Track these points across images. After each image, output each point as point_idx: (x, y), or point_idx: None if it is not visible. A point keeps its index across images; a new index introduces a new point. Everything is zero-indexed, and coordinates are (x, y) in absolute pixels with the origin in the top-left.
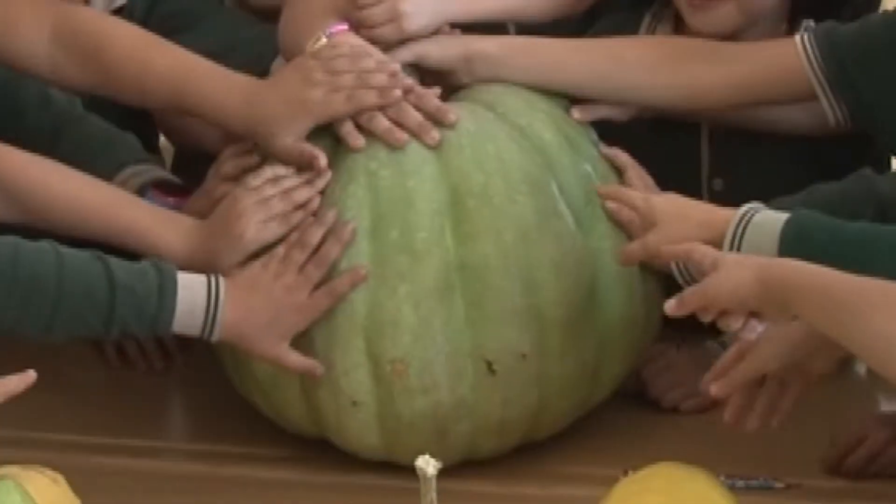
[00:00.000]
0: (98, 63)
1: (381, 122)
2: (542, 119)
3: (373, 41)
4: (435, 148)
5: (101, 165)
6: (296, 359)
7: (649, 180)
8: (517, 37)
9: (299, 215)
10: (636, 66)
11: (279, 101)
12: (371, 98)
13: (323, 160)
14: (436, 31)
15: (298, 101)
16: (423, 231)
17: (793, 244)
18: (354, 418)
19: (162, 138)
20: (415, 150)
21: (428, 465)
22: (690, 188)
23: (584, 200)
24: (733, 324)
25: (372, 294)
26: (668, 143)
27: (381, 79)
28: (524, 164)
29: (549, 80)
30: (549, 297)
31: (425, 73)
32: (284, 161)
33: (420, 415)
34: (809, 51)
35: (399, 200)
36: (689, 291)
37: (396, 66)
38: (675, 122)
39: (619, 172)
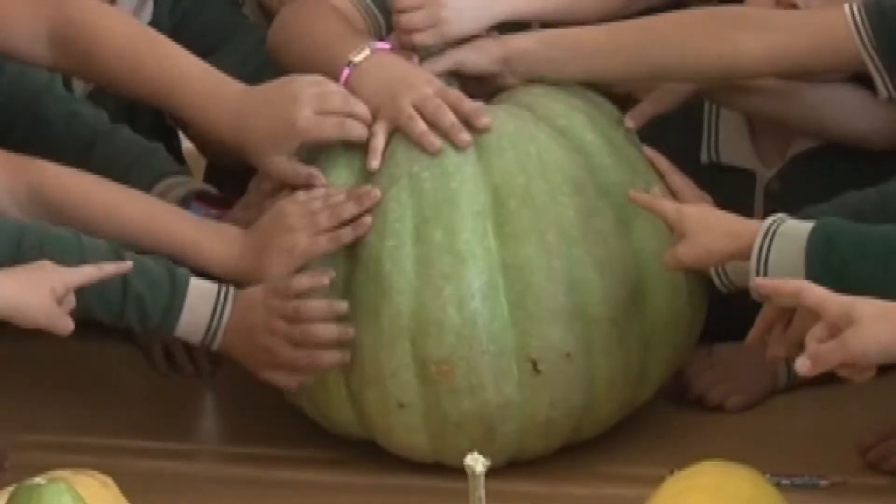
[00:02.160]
0: (91, 61)
1: (418, 126)
2: (582, 120)
3: (412, 46)
4: (476, 149)
5: (135, 177)
6: (281, 378)
7: (690, 182)
8: (552, 30)
9: (349, 234)
10: (675, 40)
11: (267, 120)
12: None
13: (320, 179)
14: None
15: (287, 121)
16: (467, 232)
17: (819, 252)
18: (401, 420)
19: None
20: (456, 151)
21: (476, 462)
22: None
23: (625, 200)
24: (858, 378)
25: (416, 296)
26: (722, 194)
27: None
28: (565, 165)
29: (589, 68)
30: (592, 297)
31: (468, 80)
32: (279, 180)
33: (467, 415)
34: (859, 21)
35: (442, 202)
36: (826, 350)
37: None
38: (731, 171)
39: (660, 174)
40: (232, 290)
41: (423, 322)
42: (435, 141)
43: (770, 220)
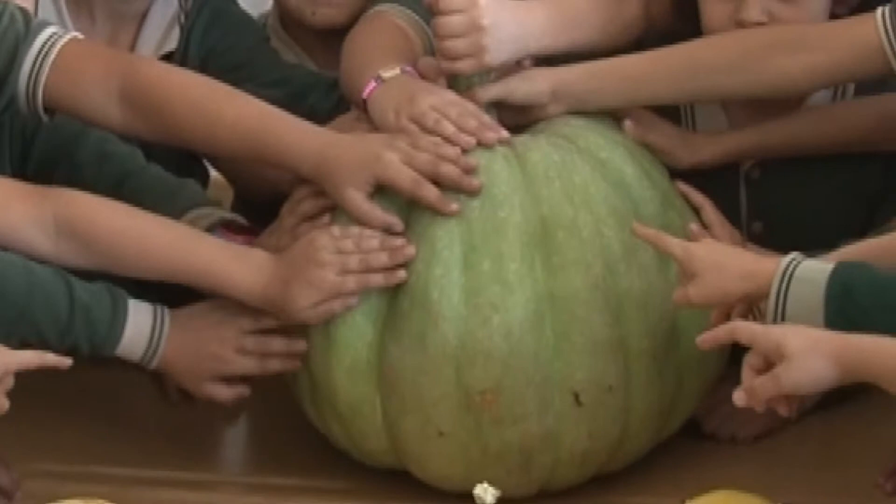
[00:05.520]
0: (166, 118)
1: (448, 126)
2: (620, 153)
3: (453, 73)
4: (524, 179)
5: (162, 213)
6: (222, 391)
7: (723, 218)
8: (596, 61)
9: (379, 280)
10: (717, 64)
11: (353, 153)
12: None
13: (399, 227)
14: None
15: (370, 156)
16: (516, 262)
17: (838, 300)
18: (440, 449)
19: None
20: (504, 180)
21: (486, 493)
22: None
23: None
24: (784, 412)
25: (464, 324)
26: (707, 187)
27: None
28: (609, 197)
29: (636, 97)
30: (634, 330)
31: (503, 108)
32: (354, 216)
33: (507, 445)
34: (889, 26)
35: (491, 231)
36: (759, 384)
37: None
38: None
39: (694, 209)
40: (166, 309)
41: (470, 351)
42: (470, 139)
43: (786, 261)
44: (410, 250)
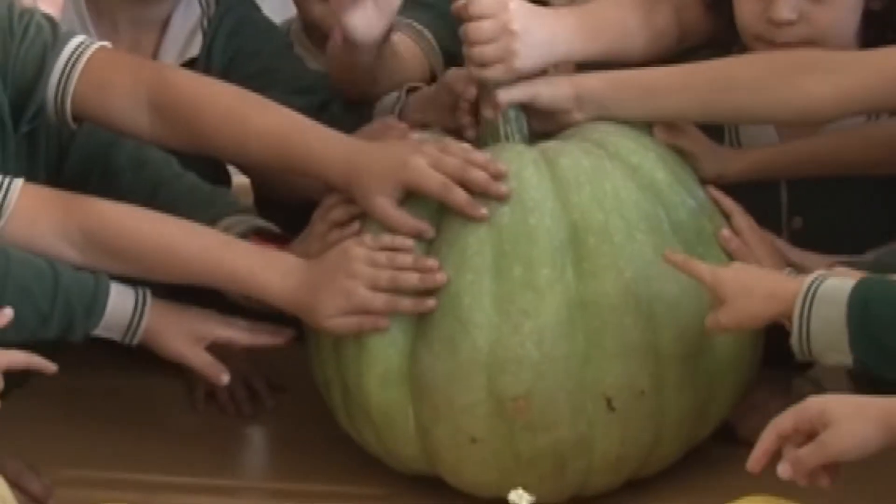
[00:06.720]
0: (196, 128)
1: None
2: (652, 158)
3: (482, 80)
4: (554, 184)
5: (197, 220)
6: (206, 357)
7: (754, 223)
8: (623, 70)
9: (408, 307)
10: (745, 85)
11: (380, 161)
12: None
13: (430, 233)
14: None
15: (398, 162)
16: (547, 268)
17: (858, 318)
18: (472, 455)
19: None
20: (534, 186)
21: (521, 499)
22: (771, 229)
23: (695, 238)
24: (824, 483)
25: (495, 331)
26: (751, 197)
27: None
28: (640, 202)
29: (657, 109)
30: (666, 334)
31: (532, 114)
32: (383, 223)
33: (539, 451)
34: None
35: (521, 237)
36: (805, 453)
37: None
38: None
39: (725, 214)
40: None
41: (501, 357)
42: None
43: (809, 280)
44: (442, 277)
